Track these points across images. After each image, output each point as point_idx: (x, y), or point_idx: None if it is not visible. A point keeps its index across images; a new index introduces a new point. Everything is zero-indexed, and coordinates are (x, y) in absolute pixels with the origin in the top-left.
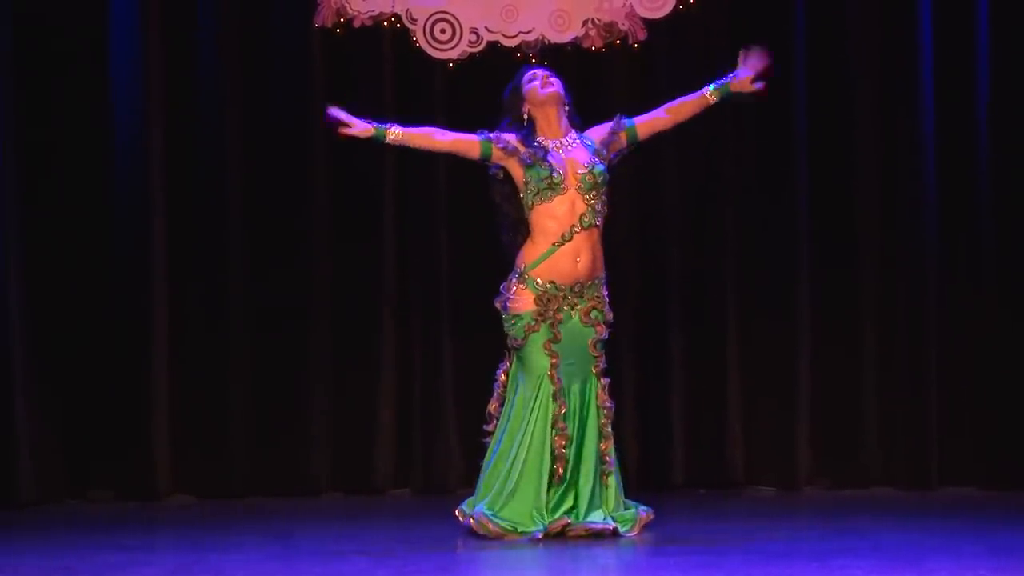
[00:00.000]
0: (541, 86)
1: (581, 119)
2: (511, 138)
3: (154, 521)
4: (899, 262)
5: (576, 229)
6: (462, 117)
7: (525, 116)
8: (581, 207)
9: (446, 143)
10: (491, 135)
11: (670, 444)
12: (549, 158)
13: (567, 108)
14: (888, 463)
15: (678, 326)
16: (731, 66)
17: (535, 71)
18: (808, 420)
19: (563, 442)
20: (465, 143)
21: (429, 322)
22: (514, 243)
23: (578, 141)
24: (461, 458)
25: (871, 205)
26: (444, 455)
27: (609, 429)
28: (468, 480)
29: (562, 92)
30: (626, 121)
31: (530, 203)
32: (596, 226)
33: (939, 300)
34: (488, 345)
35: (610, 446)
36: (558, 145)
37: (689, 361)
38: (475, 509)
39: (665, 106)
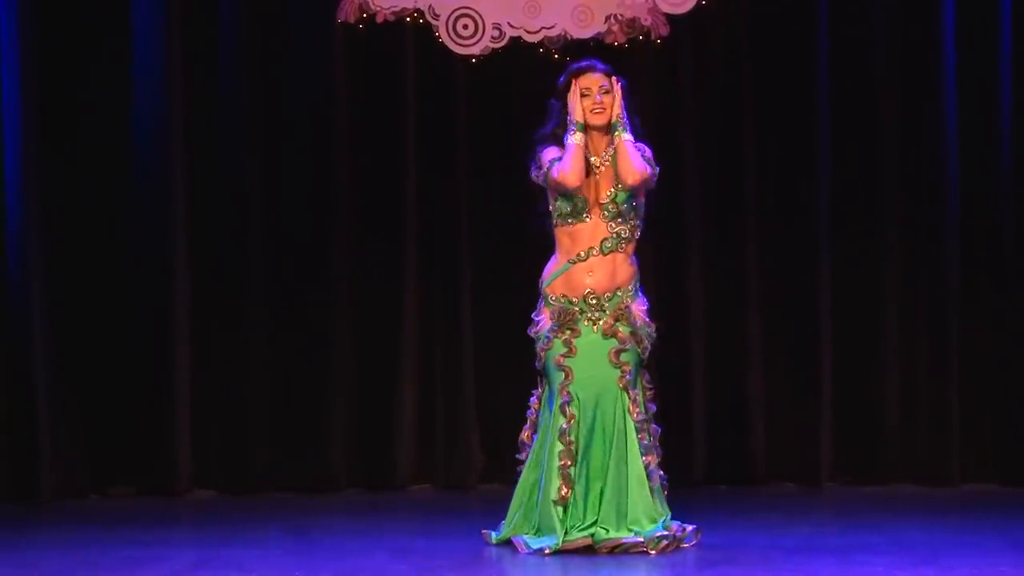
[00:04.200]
0: (591, 108)
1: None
2: (544, 168)
3: (174, 517)
4: (921, 259)
5: (594, 252)
6: (484, 113)
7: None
8: (604, 233)
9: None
10: (535, 173)
11: (691, 440)
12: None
13: (621, 118)
14: (910, 460)
15: (699, 322)
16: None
17: (592, 77)
18: (830, 416)
19: (567, 461)
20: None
21: (450, 317)
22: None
23: (609, 161)
24: (482, 453)
25: (894, 203)
26: (465, 451)
27: (648, 442)
28: (488, 476)
29: (609, 117)
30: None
31: (555, 221)
32: (619, 251)
33: (962, 297)
34: (509, 341)
35: (654, 460)
36: (591, 165)
37: (709, 357)
38: (516, 538)
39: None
